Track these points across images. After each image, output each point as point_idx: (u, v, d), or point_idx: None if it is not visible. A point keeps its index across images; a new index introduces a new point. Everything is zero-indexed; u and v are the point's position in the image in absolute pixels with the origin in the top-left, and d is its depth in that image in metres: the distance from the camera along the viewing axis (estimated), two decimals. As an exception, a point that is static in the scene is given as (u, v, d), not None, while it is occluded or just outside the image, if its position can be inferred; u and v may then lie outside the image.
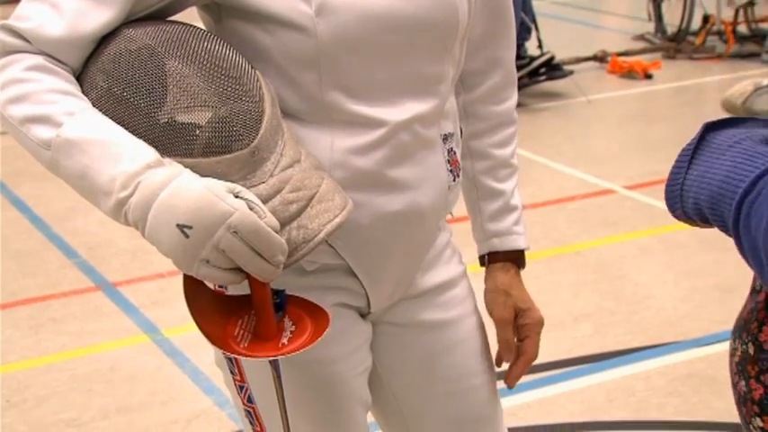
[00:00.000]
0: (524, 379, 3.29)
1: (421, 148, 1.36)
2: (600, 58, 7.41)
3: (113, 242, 4.34)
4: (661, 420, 2.96)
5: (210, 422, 2.98)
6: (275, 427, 1.36)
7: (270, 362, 1.23)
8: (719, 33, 7.76)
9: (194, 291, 1.21)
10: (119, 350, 3.43)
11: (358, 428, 1.46)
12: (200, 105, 1.18)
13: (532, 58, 6.51)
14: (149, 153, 1.14)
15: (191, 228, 1.10)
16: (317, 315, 1.23)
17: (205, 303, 1.22)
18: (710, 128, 1.25)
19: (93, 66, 1.21)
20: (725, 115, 6.11)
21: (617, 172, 5.17)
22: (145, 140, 1.16)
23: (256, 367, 1.36)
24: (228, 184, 1.13)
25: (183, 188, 1.11)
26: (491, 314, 1.56)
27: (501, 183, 1.54)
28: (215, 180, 1.13)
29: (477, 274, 1.60)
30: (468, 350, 1.53)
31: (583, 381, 3.19)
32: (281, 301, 1.21)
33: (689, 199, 1.20)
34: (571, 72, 6.67)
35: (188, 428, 2.95)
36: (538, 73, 6.52)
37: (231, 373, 1.41)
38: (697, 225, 1.22)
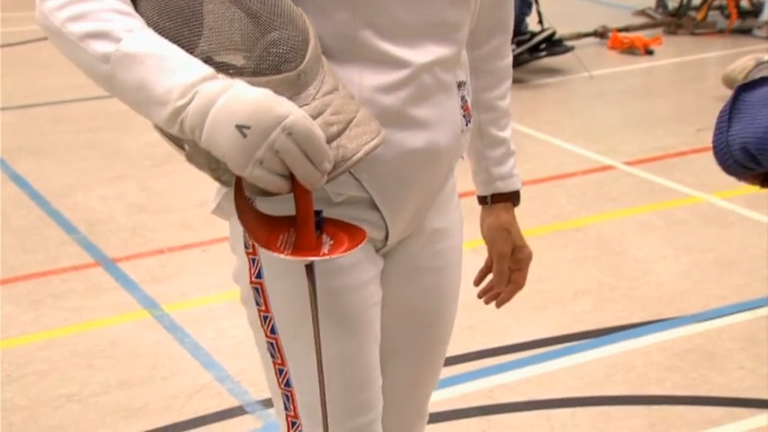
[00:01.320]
0: (524, 354, 3.33)
1: (440, 91, 1.44)
2: (600, 33, 7.38)
3: (113, 218, 4.34)
4: (660, 395, 2.97)
5: (211, 397, 2.99)
6: (297, 356, 1.44)
7: (307, 271, 1.29)
8: (721, 8, 7.73)
9: (241, 207, 1.28)
10: (119, 326, 3.43)
11: (374, 362, 1.51)
12: (254, 28, 1.26)
13: (533, 34, 6.48)
14: (204, 67, 1.22)
15: (249, 128, 1.17)
16: (352, 232, 1.31)
17: (250, 219, 1.29)
18: (743, 89, 1.39)
19: None
20: (726, 91, 6.12)
21: (617, 148, 5.16)
22: (203, 58, 1.24)
23: (283, 295, 1.43)
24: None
25: (242, 93, 1.19)
26: (491, 249, 1.72)
27: (503, 131, 1.68)
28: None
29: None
30: (450, 297, 1.64)
31: (582, 356, 3.19)
32: (320, 220, 1.29)
33: (736, 148, 1.40)
34: (572, 48, 6.65)
35: (188, 403, 2.96)
36: (538, 49, 6.49)
37: (256, 303, 1.46)
38: (745, 177, 1.44)
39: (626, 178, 4.78)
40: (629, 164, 4.94)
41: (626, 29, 7.47)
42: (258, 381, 3.05)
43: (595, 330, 3.35)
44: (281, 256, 1.25)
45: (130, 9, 1.28)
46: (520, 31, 6.43)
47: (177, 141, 1.32)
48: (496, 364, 3.14)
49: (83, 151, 5.23)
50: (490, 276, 1.75)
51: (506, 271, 1.73)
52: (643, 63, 6.94)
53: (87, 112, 5.89)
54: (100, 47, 1.24)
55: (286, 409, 1.51)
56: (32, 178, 4.83)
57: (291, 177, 1.21)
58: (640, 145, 5.21)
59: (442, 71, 1.44)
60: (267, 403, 2.94)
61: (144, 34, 1.24)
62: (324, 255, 1.27)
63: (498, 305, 1.78)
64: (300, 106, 1.23)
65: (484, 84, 1.65)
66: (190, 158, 1.33)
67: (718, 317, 3.41)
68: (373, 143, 1.30)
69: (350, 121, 1.29)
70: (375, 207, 1.44)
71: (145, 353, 3.25)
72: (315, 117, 1.25)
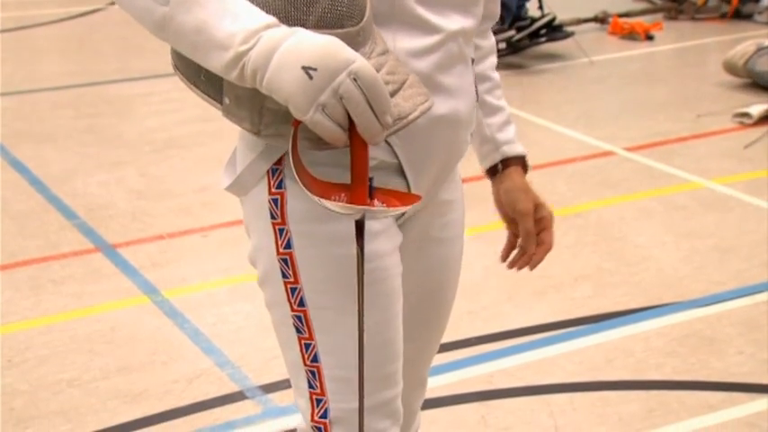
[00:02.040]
0: (523, 340, 3.33)
1: (461, 61, 1.48)
2: (601, 19, 7.37)
3: (113, 204, 4.34)
4: (659, 380, 2.98)
5: (211, 382, 2.99)
6: (328, 327, 1.43)
7: (357, 230, 1.28)
8: (721, -7, 7.72)
9: (296, 160, 1.26)
10: (119, 311, 3.44)
11: (401, 333, 1.50)
12: None
13: (533, 20, 6.47)
14: (267, 16, 1.22)
15: (315, 69, 1.17)
16: (402, 196, 1.32)
17: (304, 174, 1.27)
18: None
19: None
20: (727, 77, 6.14)
21: (617, 134, 5.16)
22: (263, 8, 1.23)
23: (315, 264, 1.41)
24: None
25: (309, 37, 1.19)
26: (514, 209, 1.74)
27: (499, 100, 1.72)
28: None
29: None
30: (456, 267, 1.66)
31: (582, 341, 3.20)
32: (371, 187, 1.28)
33: None
34: (572, 33, 6.63)
35: (188, 388, 2.96)
36: (538, 34, 6.48)
37: (283, 276, 1.43)
38: None
39: (626, 164, 4.77)
40: (629, 149, 4.93)
41: (626, 14, 7.46)
42: (258, 366, 3.06)
43: (595, 316, 3.35)
44: (336, 204, 1.24)
45: None
46: (520, 17, 6.42)
47: (213, 95, 1.32)
48: (496, 349, 3.15)
49: (82, 137, 5.22)
50: (514, 254, 1.79)
51: (533, 229, 1.74)
52: (643, 48, 6.92)
53: (87, 97, 5.89)
54: None
55: (311, 387, 1.47)
56: (32, 164, 4.83)
57: (349, 131, 1.21)
58: (640, 131, 5.20)
59: (464, 42, 1.47)
60: (267, 388, 2.95)
61: None
62: (377, 206, 1.27)
63: (532, 267, 1.78)
64: None
65: (477, 56, 1.67)
66: (228, 112, 1.32)
67: (718, 302, 3.41)
68: (427, 104, 1.32)
69: (404, 82, 1.31)
70: (401, 173, 1.45)
71: (145, 338, 3.25)
72: None
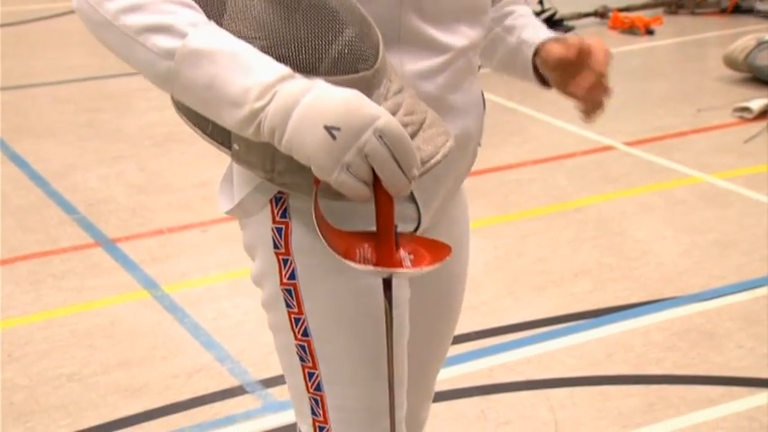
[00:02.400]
0: (523, 334, 3.33)
1: (469, 75, 1.43)
2: (601, 13, 7.36)
3: (113, 198, 4.34)
4: (659, 375, 2.98)
5: (211, 377, 2.99)
6: (332, 359, 1.39)
7: (384, 286, 1.24)
8: (722, -12, 7.71)
9: (319, 216, 1.22)
10: (119, 306, 3.44)
11: (405, 360, 1.47)
12: (331, 23, 1.20)
13: (534, 15, 6.45)
14: (280, 66, 1.15)
15: (339, 129, 1.11)
16: (431, 246, 1.26)
17: (327, 229, 1.23)
18: None
19: None
20: (727, 71, 6.13)
21: (617, 128, 5.15)
22: (274, 56, 1.17)
23: (320, 297, 1.37)
24: None
25: (328, 93, 1.13)
26: (556, 58, 1.51)
27: (516, 20, 1.59)
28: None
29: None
30: (462, 282, 1.63)
31: (582, 336, 3.20)
32: (396, 235, 1.23)
33: None
34: (572, 28, 6.63)
35: (188, 383, 2.96)
36: (539, 29, 6.46)
37: (287, 306, 1.39)
38: None
39: (626, 159, 4.77)
40: (629, 144, 4.93)
41: (627, 9, 7.45)
42: (258, 361, 3.06)
43: (595, 310, 3.35)
44: (365, 268, 1.19)
45: (190, 0, 1.19)
46: (520, 11, 6.40)
47: (222, 140, 1.27)
48: (496, 344, 3.15)
49: (82, 131, 5.22)
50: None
51: (580, 44, 1.47)
52: (644, 43, 6.92)
53: (87, 92, 5.88)
54: (162, 42, 1.16)
55: (314, 414, 1.45)
56: (32, 158, 4.82)
57: (374, 185, 1.15)
58: (641, 125, 5.20)
59: (472, 55, 1.43)
60: (267, 383, 2.95)
61: (211, 29, 1.17)
62: (408, 267, 1.22)
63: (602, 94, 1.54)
64: None
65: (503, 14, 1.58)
66: (238, 158, 1.27)
67: (718, 296, 3.41)
68: (449, 145, 1.26)
69: (422, 122, 1.25)
70: (412, 199, 1.40)
71: (145, 333, 3.25)
72: None
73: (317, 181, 1.18)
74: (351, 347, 1.38)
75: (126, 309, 3.41)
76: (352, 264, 1.19)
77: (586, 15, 7.27)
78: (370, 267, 1.19)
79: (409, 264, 1.23)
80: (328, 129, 1.11)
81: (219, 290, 3.52)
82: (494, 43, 1.60)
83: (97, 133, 5.19)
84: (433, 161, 1.23)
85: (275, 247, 1.37)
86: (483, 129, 1.51)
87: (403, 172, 1.14)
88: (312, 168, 1.14)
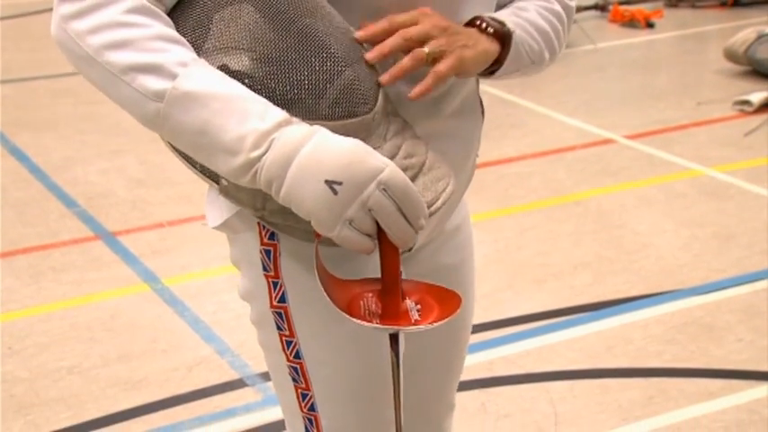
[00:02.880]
0: (523, 327, 3.34)
1: (468, 81, 1.37)
2: (601, 6, 7.35)
3: (112, 192, 4.34)
4: (659, 368, 2.98)
5: (211, 370, 3.00)
6: (325, 381, 1.36)
7: (390, 341, 1.20)
8: (722, -19, 7.70)
9: (320, 269, 1.17)
10: (119, 299, 3.44)
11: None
12: (330, 65, 1.13)
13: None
14: (278, 111, 1.08)
15: (340, 184, 1.05)
16: (439, 295, 1.20)
17: (328, 282, 1.17)
18: None
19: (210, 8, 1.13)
20: (727, 64, 6.11)
21: (617, 121, 5.15)
22: (271, 98, 1.10)
23: (312, 320, 1.32)
24: None
25: (329, 143, 1.06)
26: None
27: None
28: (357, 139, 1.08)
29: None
30: (470, 288, 1.58)
31: (581, 329, 3.20)
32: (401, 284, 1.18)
33: None
34: (573, 21, 6.62)
35: (188, 376, 2.97)
36: (539, 22, 6.46)
37: (279, 329, 1.35)
38: None
39: (626, 152, 4.77)
40: (629, 137, 4.93)
41: (627, 2, 7.44)
42: (258, 354, 3.03)
43: (595, 303, 3.36)
44: (371, 325, 1.13)
45: (178, 35, 1.11)
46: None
47: (209, 174, 1.19)
48: (496, 337, 3.15)
49: (82, 125, 5.22)
50: None
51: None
52: (644, 36, 6.91)
53: (86, 85, 5.81)
54: (151, 83, 1.08)
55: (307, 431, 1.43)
56: (32, 152, 4.82)
57: (379, 236, 1.10)
58: (641, 118, 5.19)
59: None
60: (267, 376, 2.93)
61: (202, 69, 1.09)
62: (417, 323, 1.15)
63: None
64: (375, 149, 1.11)
65: None
66: (227, 194, 1.21)
67: (718, 290, 3.41)
68: (449, 189, 1.19)
69: (423, 165, 1.19)
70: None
71: (145, 326, 3.26)
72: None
73: (317, 234, 1.12)
74: (345, 370, 1.34)
75: (126, 302, 3.42)
76: (357, 321, 1.13)
77: (587, 8, 7.26)
78: (377, 324, 1.14)
79: (417, 316, 1.16)
80: (329, 183, 1.05)
81: (220, 283, 3.52)
82: None
83: (97, 127, 5.18)
84: (433, 207, 1.17)
85: (264, 269, 1.32)
86: (481, 138, 1.45)
87: (409, 223, 1.10)
88: (312, 223, 1.09)
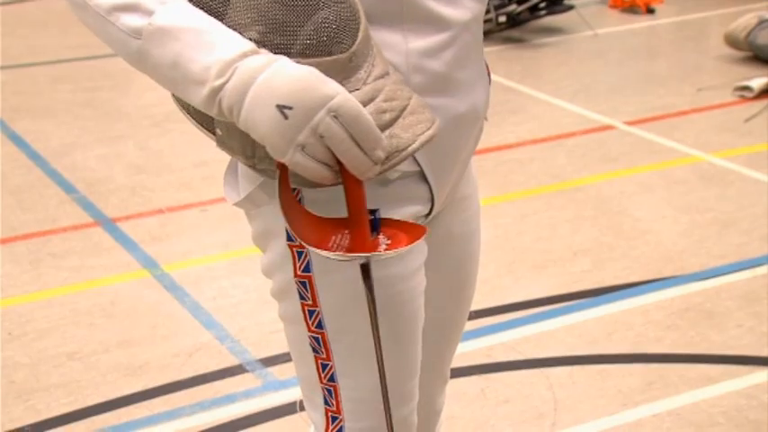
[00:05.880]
0: (523, 313, 3.33)
1: (474, 48, 1.38)
2: (602, -8, 7.33)
3: (112, 178, 4.34)
4: (658, 353, 2.98)
5: (211, 355, 3.00)
6: (346, 351, 1.38)
7: (362, 273, 1.22)
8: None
9: (286, 202, 1.19)
10: (119, 285, 3.44)
11: (420, 350, 1.46)
12: (304, 3, 1.16)
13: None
14: (244, 42, 1.13)
15: (291, 108, 1.08)
16: (410, 229, 1.24)
17: (297, 216, 1.20)
18: None
19: None
20: (728, 50, 6.09)
21: (617, 107, 5.14)
22: (245, 36, 1.14)
23: (335, 289, 1.35)
24: None
25: (285, 70, 1.10)
26: None
27: None
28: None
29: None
30: (476, 262, 1.60)
31: (581, 315, 3.20)
32: (375, 220, 1.21)
33: None
34: (572, 6, 6.60)
35: (188, 362, 2.97)
36: (538, 8, 6.44)
37: (301, 298, 1.37)
38: None
39: (626, 138, 4.77)
40: (629, 123, 4.92)
41: (627, -13, 7.41)
42: (258, 340, 3.07)
43: (594, 289, 3.36)
44: (336, 255, 1.16)
45: None
46: (520, -10, 6.38)
47: (207, 125, 1.24)
48: (495, 323, 3.16)
49: (81, 111, 5.21)
50: None
51: None
52: (644, 22, 6.89)
53: (85, 71, 5.86)
54: (130, 20, 1.15)
55: (326, 403, 1.44)
56: (31, 138, 4.82)
57: (340, 167, 1.12)
58: (641, 104, 5.19)
59: (476, 28, 1.37)
60: (267, 362, 2.95)
61: (178, 6, 1.15)
62: (379, 251, 1.18)
63: None
64: (351, 91, 1.14)
65: None
66: (221, 143, 1.25)
67: (717, 276, 3.42)
68: (429, 133, 1.21)
69: (404, 109, 1.20)
70: (424, 180, 1.36)
71: (145, 312, 3.26)
72: (366, 103, 1.16)
73: (280, 164, 1.15)
74: (366, 339, 1.34)
75: (126, 288, 3.42)
76: (323, 252, 1.16)
77: (587, -6, 7.24)
78: (342, 254, 1.16)
79: (384, 248, 1.20)
80: (280, 107, 1.08)
81: (219, 269, 3.52)
82: None
83: (96, 113, 5.18)
84: (410, 148, 1.19)
85: (289, 239, 1.34)
86: (489, 102, 1.47)
87: (365, 153, 1.11)
88: (267, 149, 1.12)
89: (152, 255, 3.63)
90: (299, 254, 1.34)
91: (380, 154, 1.13)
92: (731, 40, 5.85)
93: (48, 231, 3.85)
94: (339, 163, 1.12)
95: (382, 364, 1.28)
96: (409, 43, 1.29)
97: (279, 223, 1.33)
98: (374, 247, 1.19)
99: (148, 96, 5.30)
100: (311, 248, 1.17)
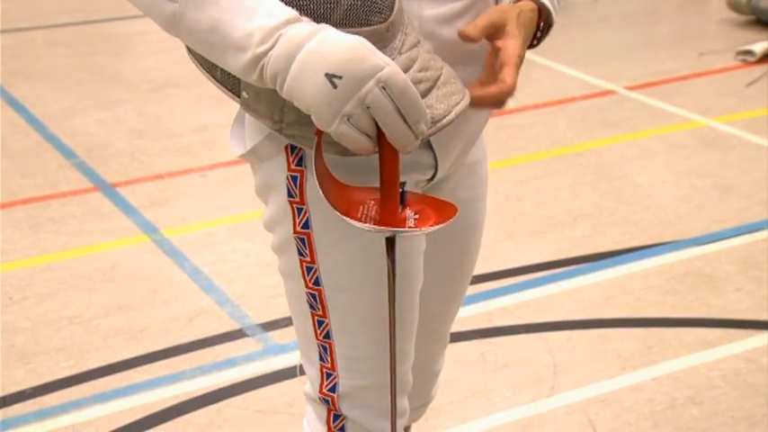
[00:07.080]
0: (522, 278, 3.34)
1: None
2: (603, -45, 7.27)
3: (111, 143, 4.33)
4: (658, 318, 2.99)
5: (211, 320, 3.01)
6: (343, 308, 1.39)
7: (387, 246, 1.21)
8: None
9: (320, 168, 1.18)
10: (118, 250, 3.44)
11: (417, 310, 1.46)
12: None
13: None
14: (286, 9, 1.11)
15: (340, 78, 1.07)
16: (438, 206, 1.23)
17: (328, 183, 1.20)
18: None
19: None
20: (730, 14, 6.05)
21: (618, 72, 5.12)
22: (284, 2, 1.13)
23: (334, 247, 1.35)
24: None
25: (333, 38, 1.09)
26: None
27: None
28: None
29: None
30: (481, 228, 1.61)
31: (581, 280, 3.21)
32: (403, 193, 1.20)
33: None
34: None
35: (189, 326, 2.98)
36: (540, -29, 6.40)
37: (300, 254, 1.37)
38: None
39: (627, 103, 4.75)
40: (630, 88, 4.90)
41: (629, -49, 7.36)
42: (258, 305, 3.07)
43: (594, 254, 3.36)
44: (365, 226, 1.16)
45: None
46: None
47: (231, 86, 1.23)
48: (495, 287, 3.16)
49: (80, 75, 5.19)
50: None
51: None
52: (646, -14, 6.85)
53: (83, 35, 5.83)
54: None
55: (321, 360, 1.45)
56: (29, 102, 4.80)
57: (379, 138, 1.12)
58: (642, 69, 5.16)
59: None
60: (267, 327, 2.96)
61: None
62: (410, 227, 1.18)
63: (475, 103, 1.29)
64: None
65: None
66: (246, 106, 1.24)
67: (717, 240, 3.42)
68: (462, 104, 1.20)
69: (437, 79, 1.20)
70: (428, 146, 1.36)
71: (145, 277, 3.26)
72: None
73: (318, 132, 1.14)
74: (363, 298, 1.36)
75: (126, 253, 3.42)
76: (353, 222, 1.16)
77: (588, -42, 7.19)
78: (371, 226, 1.16)
79: (413, 224, 1.19)
80: (329, 76, 1.07)
81: (219, 234, 3.52)
82: None
83: (95, 77, 5.15)
84: (445, 120, 1.18)
85: (289, 195, 1.34)
86: None
87: (409, 126, 1.11)
88: (312, 118, 1.11)
89: (152, 220, 3.63)
90: (299, 210, 1.35)
91: (423, 127, 1.12)
92: (733, 4, 5.82)
93: (47, 196, 3.85)
94: (379, 135, 1.12)
95: (394, 337, 1.27)
96: (424, 10, 1.28)
97: (280, 178, 1.34)
98: (402, 222, 1.19)
99: (147, 61, 5.28)
100: (342, 217, 1.17)
